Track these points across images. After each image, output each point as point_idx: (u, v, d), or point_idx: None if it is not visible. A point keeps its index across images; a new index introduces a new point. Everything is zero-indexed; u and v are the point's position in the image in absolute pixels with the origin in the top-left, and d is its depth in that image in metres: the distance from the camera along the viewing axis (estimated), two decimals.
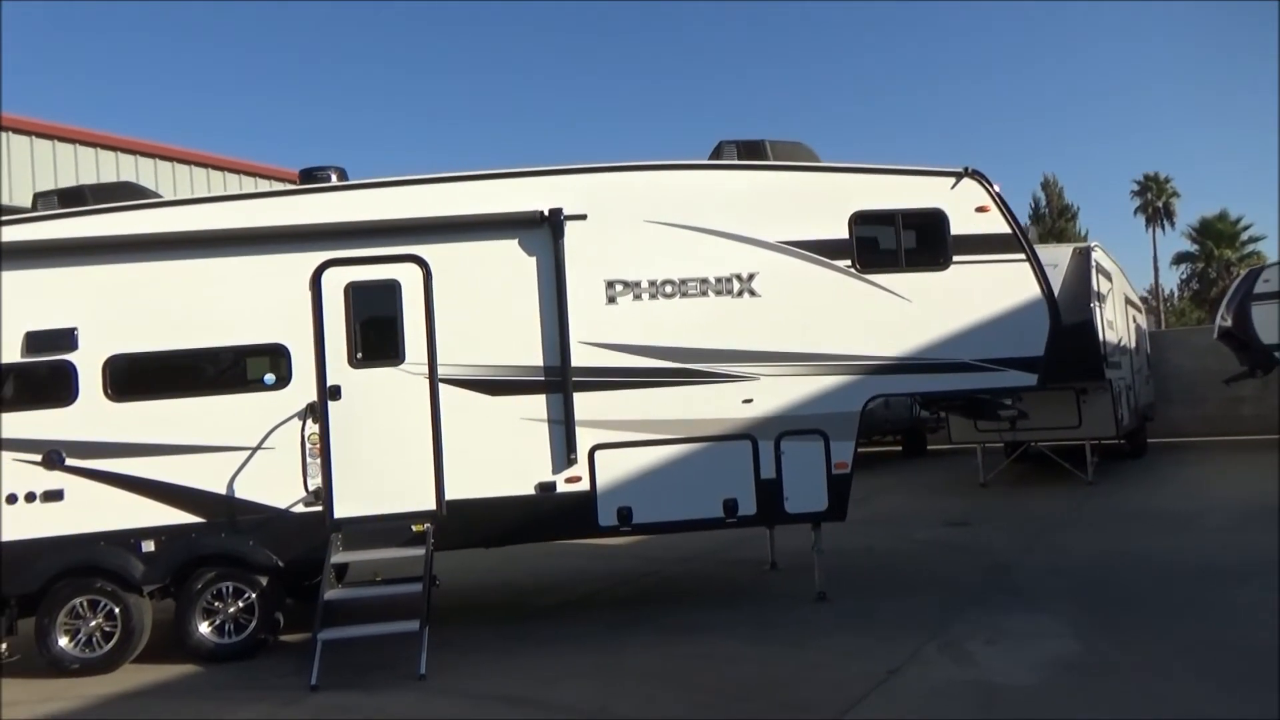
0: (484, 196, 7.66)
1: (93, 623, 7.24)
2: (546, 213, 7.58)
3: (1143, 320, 20.97)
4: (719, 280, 7.80)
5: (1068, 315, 13.23)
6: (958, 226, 8.04)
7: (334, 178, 7.81)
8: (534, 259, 7.64)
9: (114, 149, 14.77)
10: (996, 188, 8.14)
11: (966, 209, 8.07)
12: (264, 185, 15.75)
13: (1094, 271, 13.96)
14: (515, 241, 7.65)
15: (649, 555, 10.71)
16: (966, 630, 6.92)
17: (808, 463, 7.78)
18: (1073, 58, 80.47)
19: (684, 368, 7.73)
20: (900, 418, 19.45)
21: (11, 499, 7.14)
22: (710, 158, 8.33)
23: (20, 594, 7.21)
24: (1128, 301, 18.38)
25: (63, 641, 7.19)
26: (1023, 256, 8.06)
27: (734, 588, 9.12)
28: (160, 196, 8.35)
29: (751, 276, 7.83)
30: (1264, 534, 9.86)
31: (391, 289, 7.51)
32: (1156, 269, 53.04)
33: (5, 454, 7.16)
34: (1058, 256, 14.10)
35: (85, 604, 7.24)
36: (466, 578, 10.01)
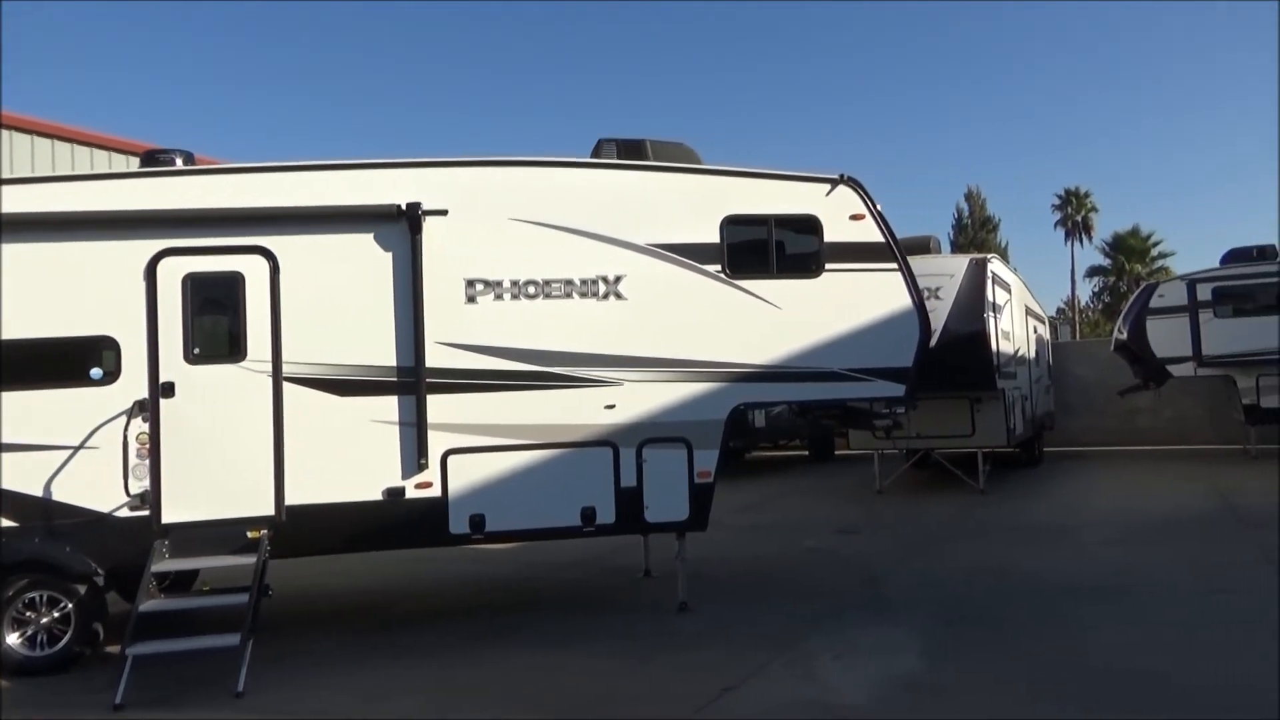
0: (339, 187, 7.28)
1: None
2: (404, 206, 7.24)
3: (1045, 331, 21.35)
4: (585, 282, 7.55)
5: (961, 325, 13.38)
6: (831, 234, 7.92)
7: (179, 162, 7.36)
8: (390, 254, 7.29)
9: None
10: (873, 196, 8.04)
11: (841, 216, 7.96)
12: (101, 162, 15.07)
13: (989, 282, 14.08)
14: (370, 236, 7.29)
15: (530, 561, 10.42)
16: (820, 644, 6.78)
17: (670, 471, 7.59)
18: (1000, 71, 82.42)
19: (545, 371, 7.47)
20: (806, 424, 19.48)
21: None
22: (591, 156, 8.09)
23: None
24: (1029, 312, 18.66)
25: None
26: (895, 266, 7.97)
27: (603, 597, 8.89)
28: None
29: (619, 279, 7.60)
30: (1139, 550, 9.99)
31: (234, 282, 7.09)
32: (1074, 281, 54.56)
33: None
34: (955, 267, 14.19)
35: None
36: (330, 582, 9.61)
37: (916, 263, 8.88)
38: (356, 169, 7.35)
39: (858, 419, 11.18)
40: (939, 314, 13.07)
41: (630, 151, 8.00)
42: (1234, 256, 18.28)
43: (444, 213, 7.32)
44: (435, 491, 7.27)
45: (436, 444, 7.27)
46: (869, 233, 8.01)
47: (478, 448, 7.35)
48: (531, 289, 7.47)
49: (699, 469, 7.64)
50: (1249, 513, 11.92)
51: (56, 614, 6.85)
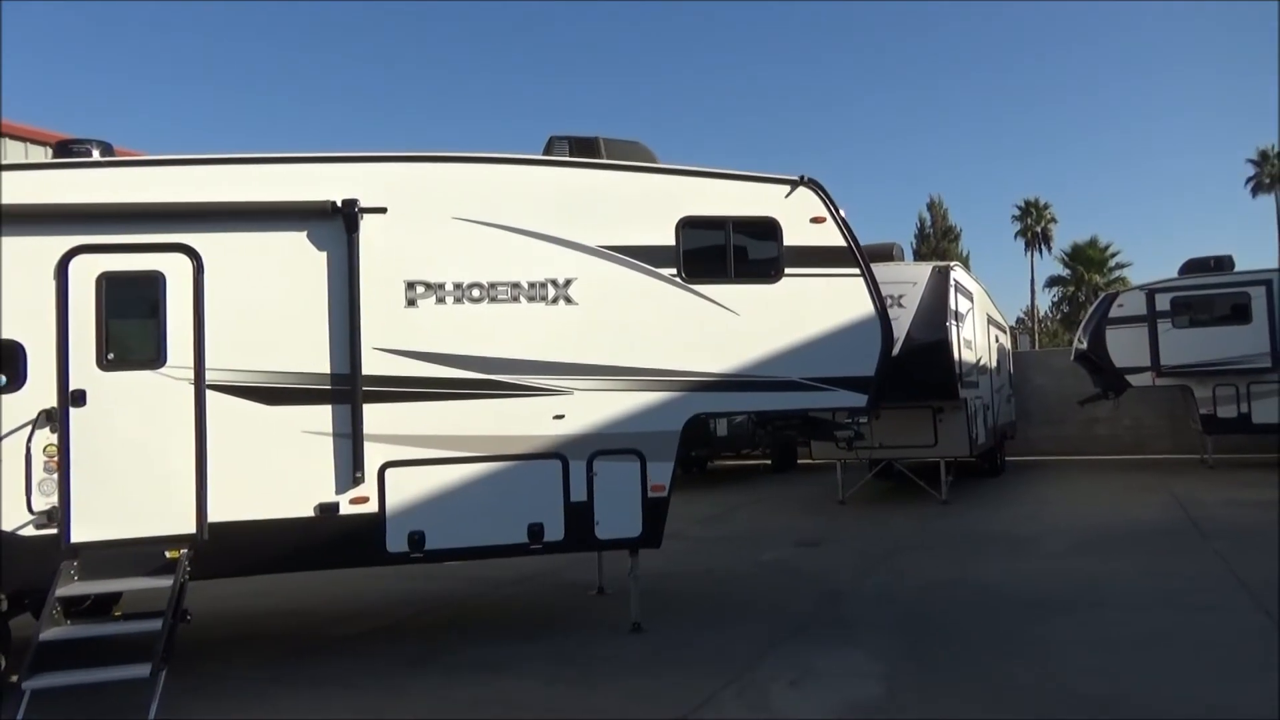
0: (269, 182, 6.82)
1: None
2: (339, 203, 6.80)
3: (1006, 340, 21.32)
4: (532, 285, 7.17)
5: (924, 333, 13.17)
6: (791, 237, 7.62)
7: (96, 153, 6.85)
8: (324, 254, 6.85)
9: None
10: (834, 199, 7.75)
11: (801, 219, 7.66)
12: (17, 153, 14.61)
13: (952, 290, 13.90)
14: (304, 234, 6.84)
15: (481, 577, 9.98)
16: (775, 669, 6.44)
17: (622, 485, 7.22)
18: (963, 79, 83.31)
19: (491, 379, 7.06)
20: (767, 434, 19.25)
21: None
22: (543, 153, 7.72)
23: None
24: (990, 321, 18.57)
25: None
26: (857, 271, 7.69)
27: (553, 615, 8.48)
28: None
29: (569, 282, 7.23)
30: (1093, 560, 9.81)
31: (153, 282, 6.60)
32: (1033, 291, 55.12)
33: None
34: (917, 275, 14.00)
35: None
36: (259, 602, 9.11)
37: (879, 270, 8.61)
38: (288, 163, 6.90)
39: (819, 429, 10.90)
40: (902, 322, 12.87)
41: (583, 149, 7.63)
42: (1191, 267, 18.34)
43: (383, 210, 6.89)
44: (372, 507, 6.83)
45: (373, 456, 6.83)
46: (830, 236, 7.72)
47: (418, 460, 6.92)
48: (476, 292, 7.07)
49: (653, 482, 7.28)
50: (1210, 524, 11.81)
51: None
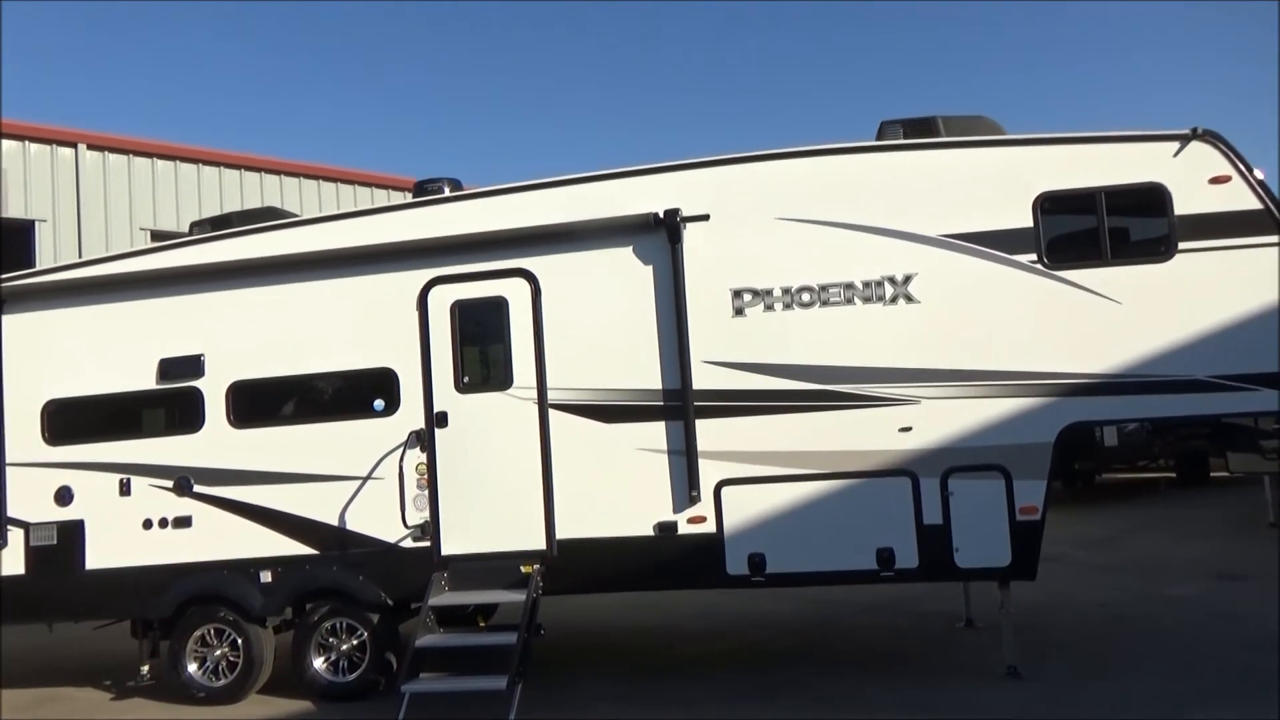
0: (593, 201, 6.93)
1: (218, 651, 7.22)
2: (661, 215, 6.72)
3: None
4: (867, 285, 6.56)
5: None
6: (1184, 204, 6.27)
7: (447, 189, 7.40)
8: (649, 268, 6.80)
9: (256, 169, 17.54)
10: (1240, 153, 6.27)
11: (1196, 181, 6.28)
12: (378, 198, 17.00)
13: None
14: (629, 249, 6.85)
15: (832, 600, 9.42)
16: None
17: (983, 506, 6.32)
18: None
19: (826, 389, 6.55)
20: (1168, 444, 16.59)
21: (147, 524, 7.28)
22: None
23: (157, 618, 7.34)
24: None
25: (192, 668, 7.23)
26: (1276, 239, 6.13)
27: (911, 650, 7.71)
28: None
29: (908, 279, 6.52)
30: None
31: (498, 306, 6.96)
32: None
33: (142, 479, 7.33)
34: None
35: (212, 632, 7.24)
36: (611, 616, 9.28)
37: None
38: (609, 179, 6.96)
39: (1238, 438, 8.98)
40: None
41: (918, 130, 6.88)
42: None
43: (705, 218, 6.70)
44: (709, 527, 6.61)
45: (709, 474, 6.62)
46: (1238, 199, 6.23)
47: (754, 478, 6.59)
48: (806, 296, 6.61)
49: (1021, 503, 6.29)
50: None
51: (354, 641, 7.04)
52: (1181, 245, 6.25)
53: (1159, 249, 6.33)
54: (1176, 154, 6.32)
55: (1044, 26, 51.55)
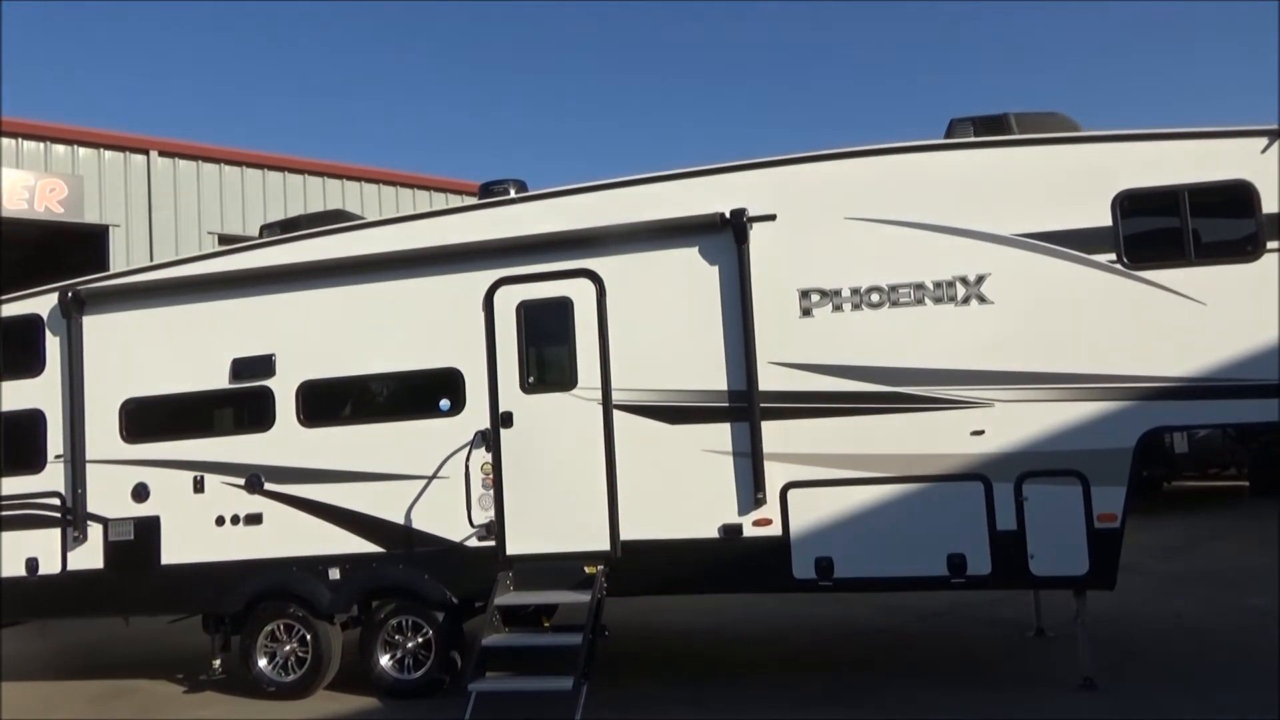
0: (658, 201, 6.90)
1: (287, 647, 7.34)
2: (728, 215, 6.66)
3: None
4: (938, 285, 6.43)
5: None
6: (1273, 202, 6.04)
7: (512, 191, 7.43)
8: (715, 268, 6.75)
9: (320, 174, 18.09)
10: None
11: None
12: (440, 201, 17.42)
13: None
14: (694, 249, 6.81)
15: (890, 604, 9.28)
16: None
17: (1060, 512, 6.16)
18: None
19: (895, 391, 6.44)
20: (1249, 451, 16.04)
21: (220, 521, 7.43)
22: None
23: (229, 613, 7.48)
24: None
25: (262, 663, 7.35)
26: None
27: (980, 659, 7.54)
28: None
29: (980, 279, 6.38)
30: None
31: (563, 307, 6.97)
32: None
33: (215, 477, 7.48)
34: None
35: (281, 628, 7.35)
36: (677, 618, 9.24)
37: None
38: (675, 179, 6.93)
39: None
40: None
41: (990, 128, 6.74)
42: None
43: (771, 218, 6.64)
44: (775, 530, 6.54)
45: (774, 476, 6.55)
46: None
47: (821, 480, 6.51)
48: (875, 296, 6.51)
49: (1099, 511, 6.11)
50: None
51: (420, 639, 7.09)
52: (1270, 244, 6.03)
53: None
54: (1264, 150, 6.10)
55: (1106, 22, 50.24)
